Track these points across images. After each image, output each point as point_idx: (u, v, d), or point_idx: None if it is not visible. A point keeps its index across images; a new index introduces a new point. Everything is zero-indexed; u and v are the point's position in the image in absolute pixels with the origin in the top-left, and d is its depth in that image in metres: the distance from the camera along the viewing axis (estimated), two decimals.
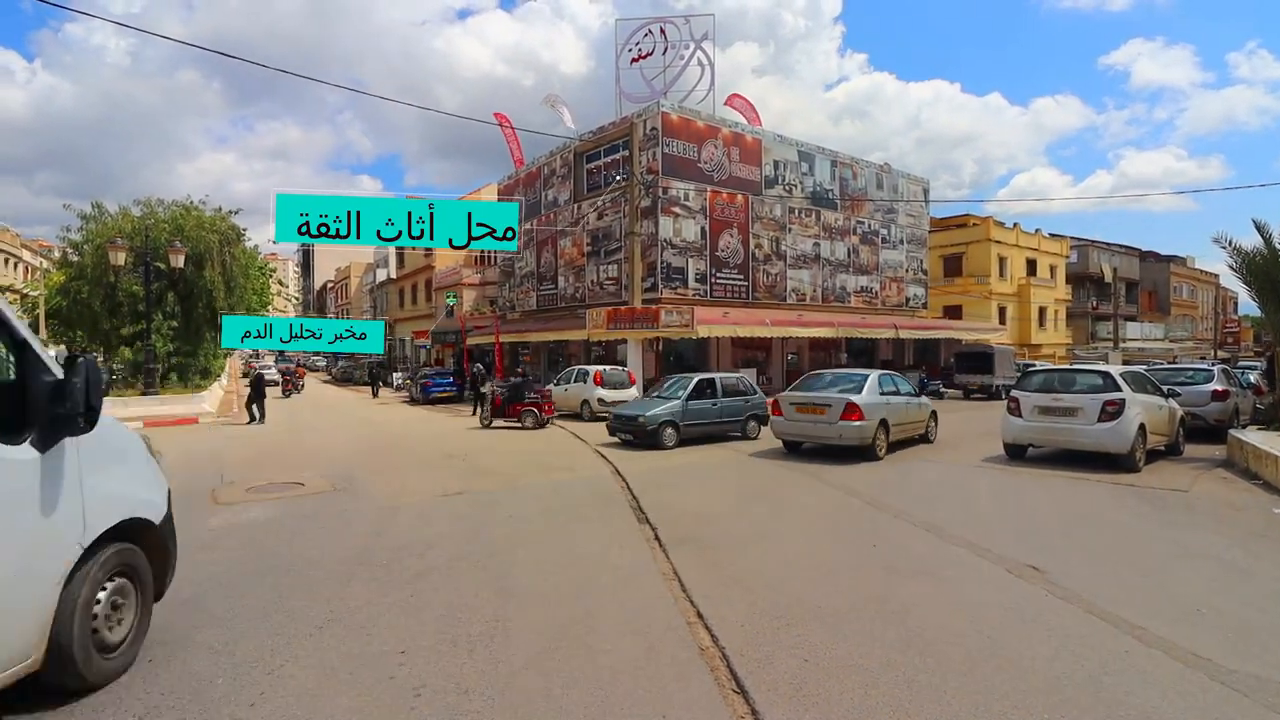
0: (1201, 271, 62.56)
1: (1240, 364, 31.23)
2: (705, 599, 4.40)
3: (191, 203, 20.69)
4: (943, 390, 25.95)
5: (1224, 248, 11.92)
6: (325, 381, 44.36)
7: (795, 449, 11.21)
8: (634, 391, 17.75)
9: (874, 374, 11.20)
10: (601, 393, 17.05)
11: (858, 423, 9.98)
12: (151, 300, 17.67)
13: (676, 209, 22.86)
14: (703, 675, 3.36)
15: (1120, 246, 53.83)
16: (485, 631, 3.89)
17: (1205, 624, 3.97)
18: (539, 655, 3.58)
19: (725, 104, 26.06)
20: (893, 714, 2.98)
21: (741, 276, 24.83)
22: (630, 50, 26.51)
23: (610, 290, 24.68)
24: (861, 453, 10.22)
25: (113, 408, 16.20)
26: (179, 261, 17.19)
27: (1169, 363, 26.65)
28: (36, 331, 40.44)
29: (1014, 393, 10.24)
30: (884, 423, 10.44)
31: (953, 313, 37.87)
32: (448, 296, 35.92)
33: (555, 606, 4.30)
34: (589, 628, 3.95)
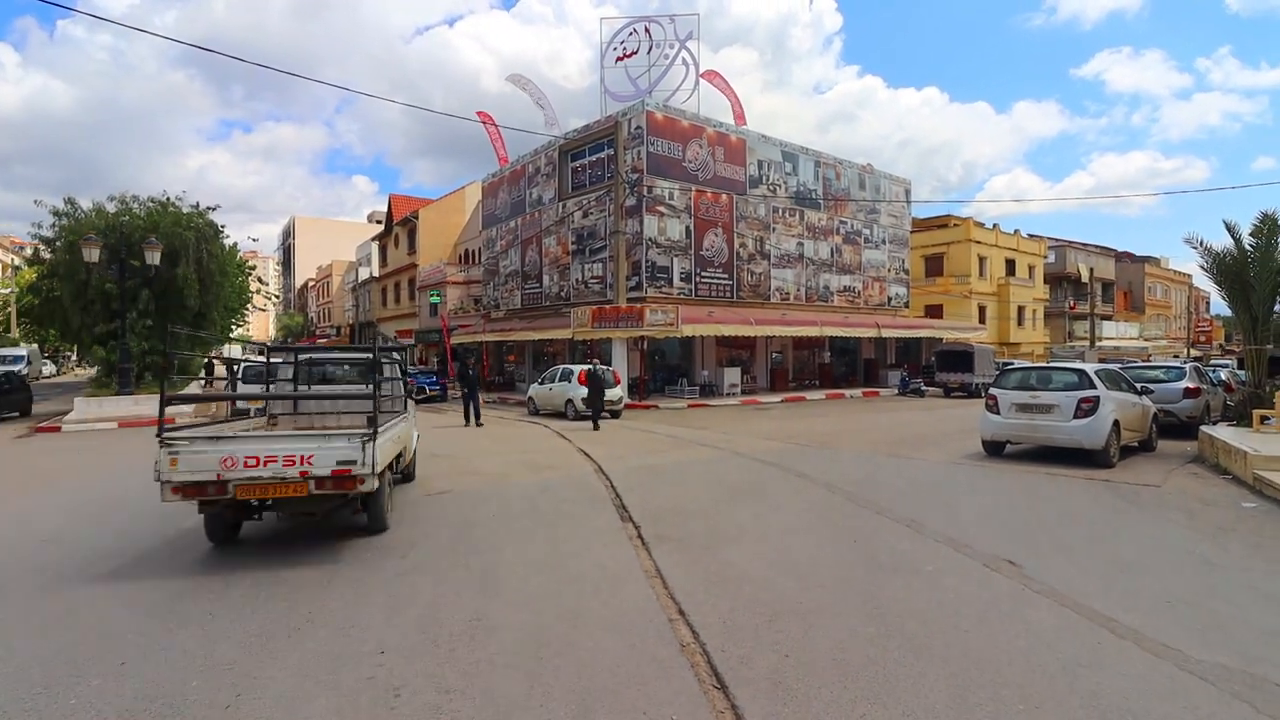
0: (1175, 272, 63.85)
1: (1212, 362, 31.93)
2: (687, 596, 4.42)
3: (168, 199, 20.32)
4: (924, 388, 26.26)
5: (1196, 249, 12.21)
6: None
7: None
8: (619, 391, 17.75)
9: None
10: (585, 392, 17.01)
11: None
12: (126, 298, 17.34)
13: (661, 208, 22.89)
14: (684, 672, 3.37)
15: (1096, 247, 54.82)
16: (467, 631, 3.88)
17: (1175, 615, 4.06)
18: (521, 654, 3.57)
19: (702, 76, 25.95)
20: (871, 707, 3.02)
21: (726, 276, 24.93)
22: (615, 49, 26.49)
23: (595, 289, 24.65)
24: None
25: (86, 407, 16.01)
26: (154, 258, 16.86)
27: (1143, 361, 27.19)
28: (7, 330, 39.00)
29: (992, 390, 10.39)
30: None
31: (934, 312, 38.33)
32: (432, 295, 35.68)
33: (537, 605, 4.29)
34: (571, 626, 3.95)
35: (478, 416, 15.85)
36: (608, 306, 21.47)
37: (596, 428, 14.74)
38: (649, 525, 6.30)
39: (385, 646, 3.66)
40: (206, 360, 21.81)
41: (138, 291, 18.07)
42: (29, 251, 21.79)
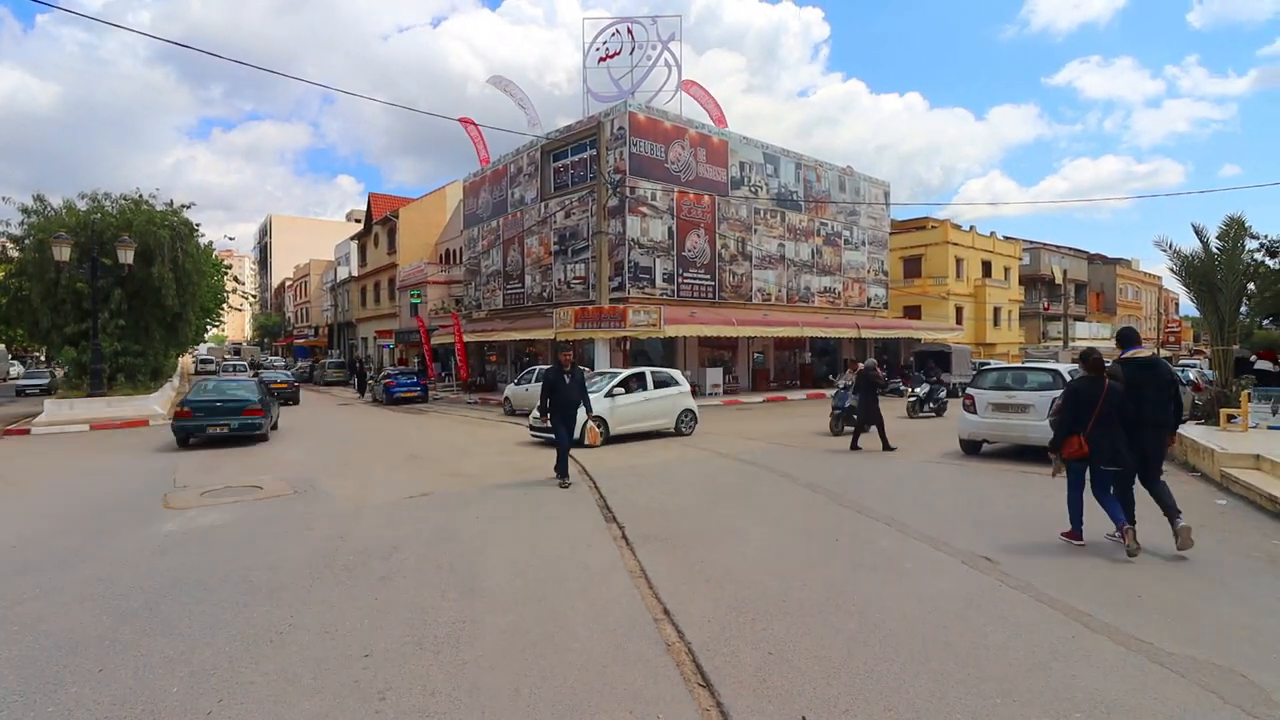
0: (1145, 274, 65.36)
1: (1180, 362, 32.72)
2: (672, 595, 4.45)
3: (141, 196, 19.91)
4: (903, 389, 26.58)
5: (1165, 251, 12.52)
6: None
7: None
8: None
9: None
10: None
11: None
12: (98, 297, 16.97)
13: (644, 209, 22.92)
14: (669, 670, 3.40)
15: (1070, 249, 55.91)
16: (452, 633, 3.87)
17: (1147, 610, 4.18)
18: (507, 655, 3.58)
19: (681, 88, 26.00)
20: (853, 703, 3.07)
21: (708, 276, 25.03)
22: (598, 49, 26.47)
23: (578, 290, 24.61)
24: None
25: (57, 409, 15.64)
26: (127, 257, 16.50)
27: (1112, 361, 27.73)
28: None
29: (969, 390, 10.57)
30: None
31: (912, 313, 38.82)
32: (412, 295, 35.34)
33: (523, 606, 4.29)
34: (557, 627, 3.96)
35: (562, 468, 8.44)
36: (590, 307, 21.44)
37: (857, 446, 10.93)
38: (633, 525, 6.32)
39: (370, 650, 3.65)
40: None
41: (110, 291, 17.68)
42: None
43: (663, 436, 13.09)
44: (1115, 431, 5.41)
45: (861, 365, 11.77)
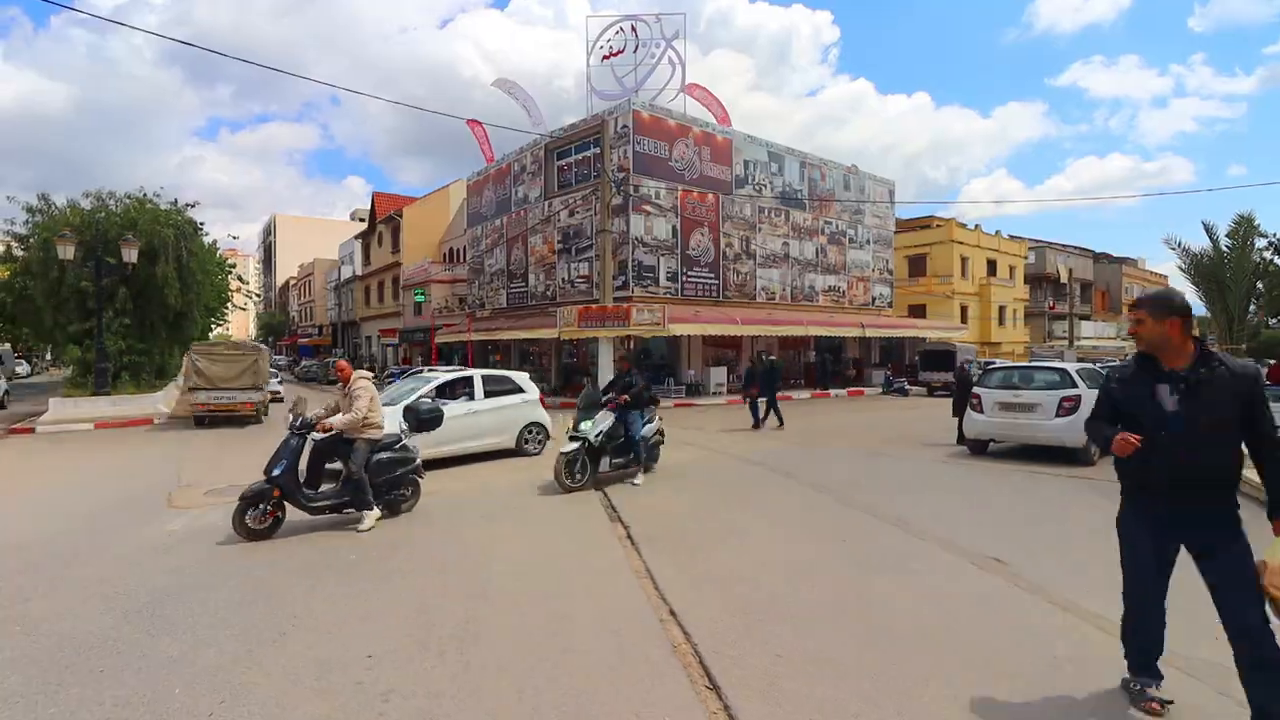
0: (1151, 272, 65.00)
1: None
2: (678, 597, 4.40)
3: (146, 195, 19.94)
4: (908, 387, 26.50)
5: (1174, 249, 12.48)
6: (286, 381, 43.21)
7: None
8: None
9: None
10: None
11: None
12: (102, 296, 17.00)
13: (648, 207, 22.88)
14: (676, 673, 3.36)
15: (1075, 248, 55.62)
16: (456, 634, 3.83)
17: None
18: (511, 657, 3.54)
19: (684, 91, 25.88)
20: (862, 706, 3.03)
21: (712, 275, 24.98)
22: (602, 47, 26.42)
23: (581, 288, 24.59)
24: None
25: (61, 408, 15.67)
26: (131, 256, 16.52)
27: (1120, 360, 27.61)
28: None
29: (975, 390, 10.50)
30: None
31: (917, 312, 38.69)
32: (416, 294, 35.37)
33: (527, 608, 4.26)
34: (562, 628, 3.93)
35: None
36: (594, 306, 21.40)
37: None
38: (639, 526, 6.28)
39: (373, 651, 3.61)
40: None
41: (114, 289, 17.72)
42: (1, 249, 21.25)
43: (504, 457, 10.35)
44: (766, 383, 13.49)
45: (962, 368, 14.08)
